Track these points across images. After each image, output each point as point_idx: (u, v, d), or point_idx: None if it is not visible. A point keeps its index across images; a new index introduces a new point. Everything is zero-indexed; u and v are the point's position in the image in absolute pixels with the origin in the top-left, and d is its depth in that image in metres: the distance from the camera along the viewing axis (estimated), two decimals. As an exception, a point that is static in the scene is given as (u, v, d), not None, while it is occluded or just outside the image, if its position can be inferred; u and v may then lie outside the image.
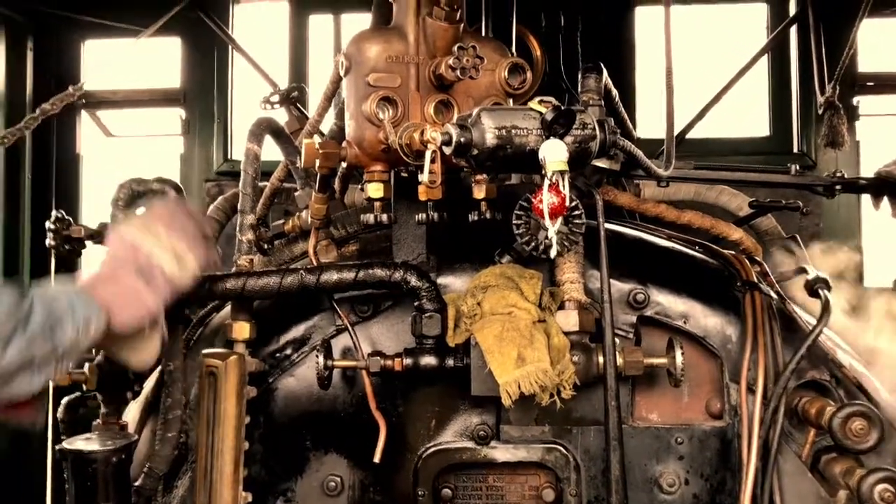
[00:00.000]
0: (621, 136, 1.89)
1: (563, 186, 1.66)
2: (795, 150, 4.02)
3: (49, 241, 2.20)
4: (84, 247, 2.28)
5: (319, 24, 4.23)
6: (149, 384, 2.30)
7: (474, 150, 1.70)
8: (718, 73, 4.03)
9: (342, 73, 2.08)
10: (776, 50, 4.04)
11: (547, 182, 1.64)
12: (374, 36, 2.06)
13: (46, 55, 4.17)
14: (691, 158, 3.85)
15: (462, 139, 1.69)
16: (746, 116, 4.19)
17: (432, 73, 2.04)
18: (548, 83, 3.54)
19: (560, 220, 1.69)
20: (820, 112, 3.73)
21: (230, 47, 4.13)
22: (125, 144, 4.42)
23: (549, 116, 1.67)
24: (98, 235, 2.20)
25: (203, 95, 4.16)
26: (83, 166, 4.30)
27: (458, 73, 1.94)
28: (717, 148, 4.05)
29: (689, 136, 3.92)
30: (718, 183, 2.77)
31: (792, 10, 4.03)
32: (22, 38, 4.10)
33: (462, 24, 2.06)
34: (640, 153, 2.05)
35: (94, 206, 4.32)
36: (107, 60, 4.27)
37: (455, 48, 1.93)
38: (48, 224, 2.21)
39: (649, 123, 4.13)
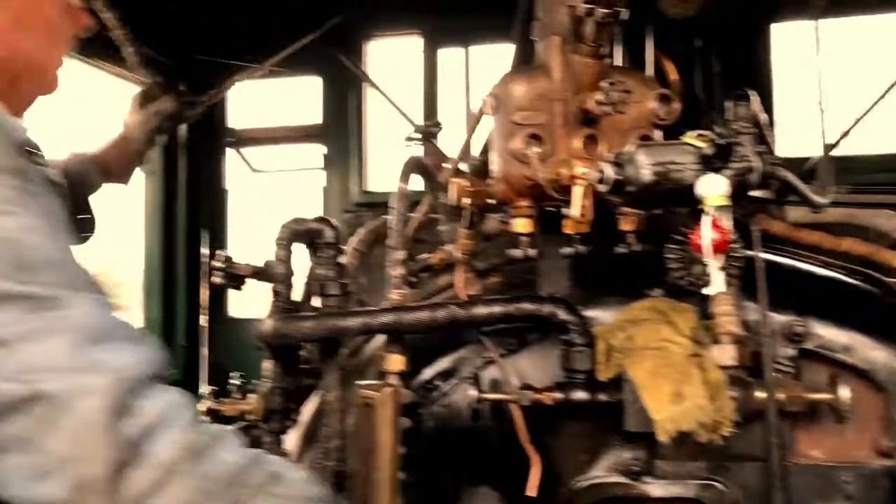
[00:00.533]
0: (780, 167, 1.84)
1: (725, 222, 1.64)
2: (957, 164, 3.75)
3: (218, 279, 2.35)
4: (244, 283, 2.41)
5: (449, 56, 4.33)
6: (307, 413, 2.40)
7: (630, 187, 1.70)
8: (867, 87, 3.83)
9: (490, 113, 2.13)
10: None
11: (708, 218, 1.62)
12: (520, 76, 2.11)
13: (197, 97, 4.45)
14: (839, 176, 3.71)
15: (618, 176, 1.69)
16: (899, 131, 3.96)
17: (579, 108, 2.05)
18: (684, 107, 3.47)
19: (721, 256, 1.66)
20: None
21: (365, 83, 4.29)
22: (268, 180, 4.65)
23: (708, 151, 1.65)
24: (261, 273, 2.32)
25: (341, 130, 4.33)
26: (230, 200, 4.55)
27: (606, 108, 1.95)
28: (869, 165, 3.84)
29: (839, 153, 3.74)
30: (879, 208, 2.63)
31: (947, 16, 3.79)
32: (175, 82, 4.40)
33: (607, 60, 2.08)
34: (798, 182, 1.98)
35: (238, 238, 4.57)
36: (251, 100, 4.52)
37: (603, 84, 1.94)
38: (216, 262, 2.36)
39: (788, 142, 3.97)
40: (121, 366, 1.17)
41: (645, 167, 1.68)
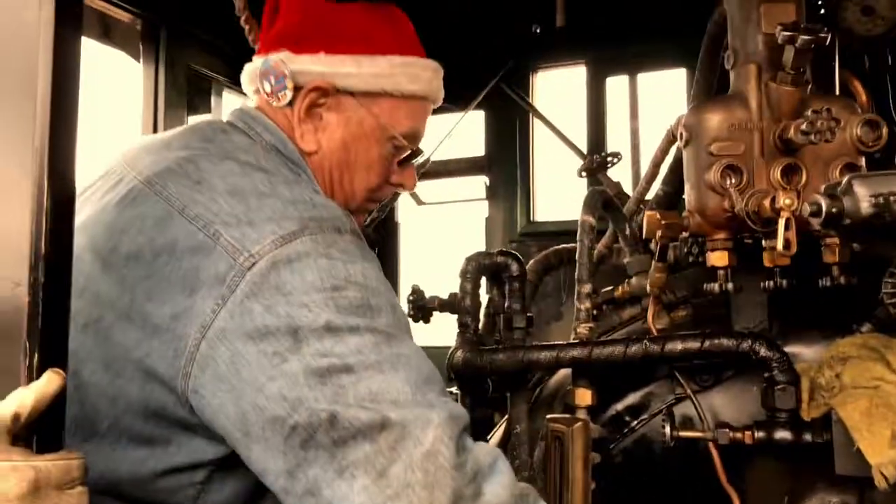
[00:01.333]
0: None
1: (955, 255, 1.53)
2: None
3: (409, 311, 2.44)
4: (432, 315, 2.49)
5: (615, 85, 4.31)
6: (493, 442, 2.44)
7: (846, 220, 1.62)
8: None
9: (681, 145, 2.10)
10: None
11: (938, 252, 1.53)
12: (714, 106, 2.07)
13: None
14: None
15: (833, 209, 1.62)
16: None
17: (778, 138, 1.99)
18: (876, 128, 3.28)
19: (952, 291, 1.55)
20: None
21: (530, 115, 4.34)
22: (434, 211, 4.79)
23: (934, 180, 1.55)
24: (448, 306, 2.40)
25: (506, 162, 4.40)
26: (401, 233, 4.72)
27: (811, 137, 1.87)
28: None
29: None
30: None
31: None
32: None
33: (808, 87, 2.00)
34: None
35: (410, 270, 4.72)
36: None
37: (808, 112, 1.87)
38: (408, 296, 2.46)
39: None
40: (452, 408, 1.28)
41: (864, 199, 1.59)
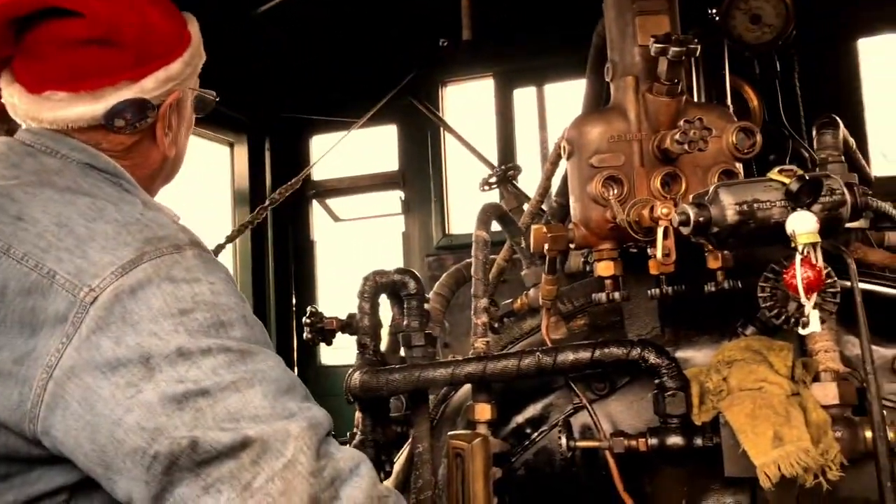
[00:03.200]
0: (873, 198, 1.76)
1: (817, 259, 1.58)
2: None
3: (306, 335, 2.41)
4: (334, 336, 2.46)
5: (523, 96, 4.36)
6: (398, 464, 2.42)
7: (714, 229, 1.66)
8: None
9: (564, 157, 2.12)
10: None
11: (799, 256, 1.57)
12: (593, 118, 2.09)
13: (281, 152, 4.62)
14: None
15: (701, 218, 1.66)
16: None
17: (657, 147, 2.02)
18: (768, 132, 3.38)
19: (815, 294, 1.60)
20: None
21: (441, 128, 4.35)
22: (352, 228, 4.76)
23: (794, 187, 1.60)
24: (348, 326, 2.37)
25: (420, 176, 4.41)
26: (317, 251, 4.67)
27: (685, 146, 1.91)
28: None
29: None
30: None
31: None
32: (261, 140, 4.58)
33: (684, 97, 2.05)
34: (892, 210, 1.90)
35: (328, 286, 4.67)
36: (333, 152, 4.65)
37: (681, 122, 1.91)
38: (305, 319, 2.42)
39: (884, 160, 3.81)
40: (312, 415, 1.30)
41: (729, 207, 1.63)
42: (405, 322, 2.33)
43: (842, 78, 3.78)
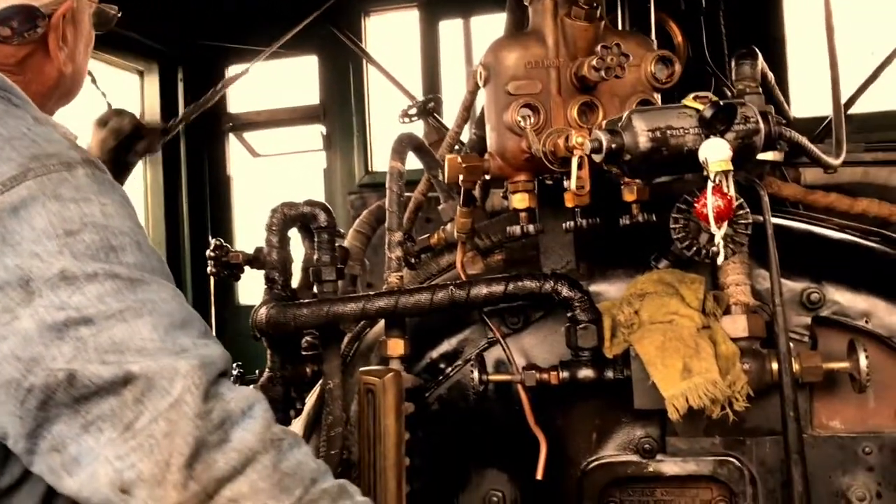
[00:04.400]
0: (787, 128, 1.74)
1: (728, 188, 1.55)
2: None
3: (210, 269, 2.30)
4: (242, 271, 2.36)
5: (450, 28, 4.22)
6: (310, 401, 2.35)
7: (627, 156, 1.61)
8: (885, 41, 3.69)
9: (481, 84, 2.04)
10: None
11: (710, 184, 1.54)
12: (511, 43, 2.01)
13: (195, 83, 4.40)
14: (856, 134, 3.58)
15: (613, 145, 1.61)
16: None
17: (574, 75, 1.96)
18: (692, 69, 3.36)
19: (726, 223, 1.57)
20: None
21: (364, 60, 4.20)
22: (271, 163, 4.60)
23: (707, 113, 1.56)
24: (255, 261, 2.27)
25: (341, 110, 4.26)
26: (234, 187, 4.50)
27: (602, 73, 1.85)
28: (886, 122, 3.71)
29: (855, 110, 3.62)
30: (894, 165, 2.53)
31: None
32: (173, 69, 4.35)
33: (602, 22, 1.98)
34: (808, 143, 1.89)
35: (246, 224, 4.52)
36: (249, 83, 4.45)
37: (598, 48, 1.84)
38: (208, 252, 2.31)
39: (804, 100, 3.84)
40: (206, 353, 1.21)
41: (642, 134, 1.59)
42: (316, 256, 2.24)
43: (766, 18, 3.77)
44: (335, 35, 4.11)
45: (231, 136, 4.45)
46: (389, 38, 4.35)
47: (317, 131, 4.34)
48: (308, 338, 2.34)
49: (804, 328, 2.05)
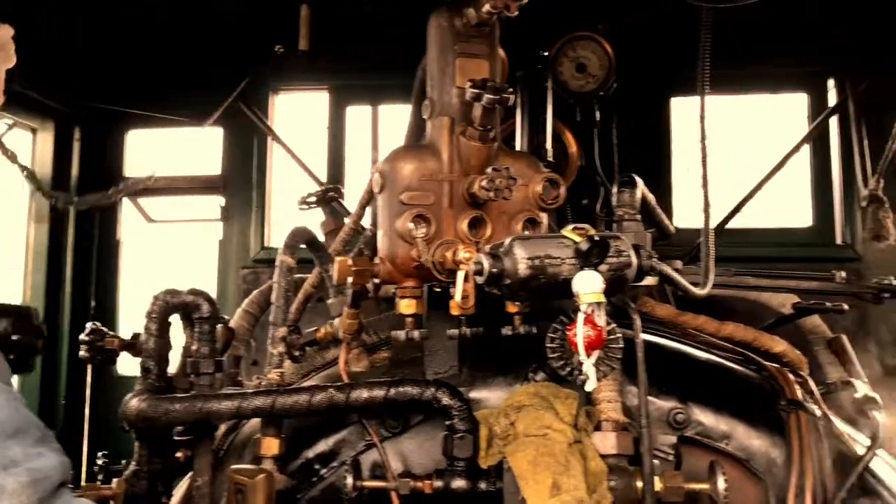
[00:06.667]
0: (657, 261, 1.84)
1: (600, 319, 1.62)
2: (839, 241, 3.91)
3: (83, 353, 2.21)
4: (118, 356, 2.28)
5: (358, 113, 4.29)
6: (177, 497, 2.26)
7: (507, 280, 1.67)
8: (760, 162, 3.98)
9: (376, 191, 2.08)
10: (817, 140, 3.98)
11: (581, 315, 1.61)
12: (407, 154, 2.07)
13: (92, 145, 4.29)
14: (733, 247, 3.82)
15: (494, 270, 1.66)
16: (790, 207, 4.12)
17: (466, 191, 2.03)
18: (584, 178, 3.53)
19: (596, 353, 1.64)
20: (863, 205, 3.65)
21: (270, 137, 4.21)
22: (166, 230, 4.49)
23: (583, 247, 1.64)
24: (132, 347, 2.20)
25: (243, 183, 4.22)
26: (123, 252, 4.36)
27: (491, 193, 1.93)
28: (758, 239, 3.97)
29: (731, 225, 3.87)
30: (758, 290, 2.70)
31: (832, 100, 3.98)
32: (69, 129, 4.23)
33: (496, 143, 2.06)
34: (676, 276, 2.00)
35: (134, 291, 4.37)
36: (149, 149, 4.38)
37: (489, 170, 1.92)
38: (83, 336, 2.22)
39: (688, 212, 4.08)
40: (38, 466, 1.17)
41: (522, 261, 1.65)
42: (194, 347, 2.19)
43: (655, 132, 4.01)
44: (242, 109, 4.11)
45: (125, 200, 4.33)
46: (297, 116, 4.38)
47: (216, 202, 4.28)
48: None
49: (670, 447, 2.13)
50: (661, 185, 3.87)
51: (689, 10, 2.55)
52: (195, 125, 4.13)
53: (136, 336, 2.19)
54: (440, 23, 2.09)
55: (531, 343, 2.05)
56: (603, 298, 1.62)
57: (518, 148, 3.23)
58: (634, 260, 1.73)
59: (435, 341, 2.21)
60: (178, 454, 2.31)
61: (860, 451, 2.13)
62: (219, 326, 3.08)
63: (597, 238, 1.64)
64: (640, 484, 1.98)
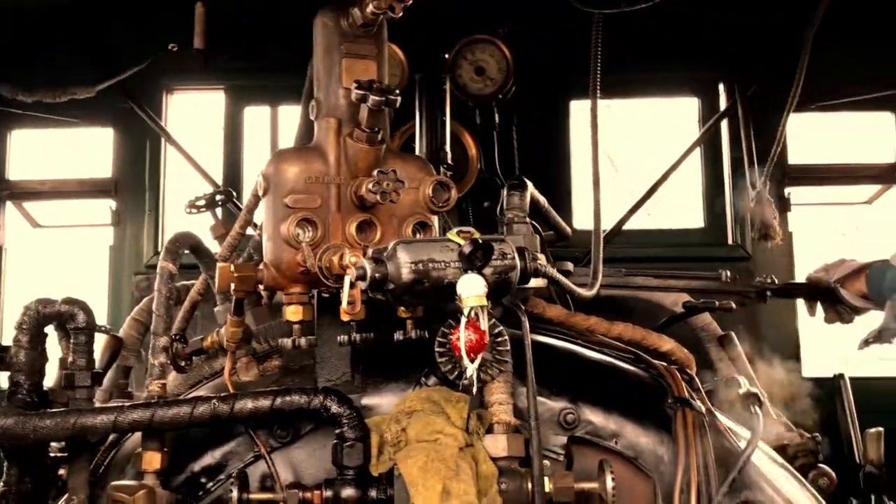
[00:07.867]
0: (542, 263, 1.85)
1: (482, 322, 1.61)
2: (730, 241, 4.06)
3: (-55, 368, 2.07)
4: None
5: (257, 115, 4.19)
6: (51, 518, 2.15)
7: (390, 285, 1.64)
8: (655, 164, 4.09)
9: (260, 194, 2.02)
10: (708, 143, 4.12)
11: (464, 319, 1.59)
12: (292, 156, 2.02)
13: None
14: (630, 247, 3.91)
15: (377, 274, 1.63)
16: (684, 208, 4.24)
17: (354, 194, 1.99)
18: (484, 179, 3.55)
19: (480, 356, 1.63)
20: (752, 205, 3.79)
21: (163, 138, 4.06)
22: (53, 235, 4.28)
23: (466, 250, 1.62)
24: (0, 360, 2.07)
25: (135, 186, 4.06)
26: (6, 258, 4.13)
27: (378, 196, 1.89)
28: (652, 239, 4.07)
29: (629, 227, 3.96)
30: (646, 290, 2.76)
31: (722, 104, 4.13)
32: (-54, 127, 3.99)
33: (384, 146, 2.03)
34: (562, 278, 2.02)
35: (20, 298, 4.15)
36: (34, 150, 4.16)
37: (375, 172, 1.89)
38: (-54, 348, 2.08)
39: (589, 214, 4.14)
40: None
41: (405, 265, 1.63)
42: (70, 359, 2.08)
43: (555, 135, 4.06)
44: (134, 109, 3.95)
45: (8, 204, 4.11)
46: (192, 117, 4.24)
47: (106, 206, 4.10)
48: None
49: (561, 447, 2.14)
50: (561, 187, 3.94)
51: (584, 16, 2.60)
52: (83, 125, 3.95)
53: (4, 349, 2.06)
54: (326, 22, 2.05)
55: (424, 348, 2.03)
56: (486, 302, 1.61)
57: (417, 151, 3.22)
58: (519, 263, 1.73)
59: (326, 348, 2.16)
60: (61, 471, 2.20)
61: (743, 445, 2.19)
62: (106, 336, 2.96)
63: (480, 241, 1.63)
64: (530, 486, 1.98)
